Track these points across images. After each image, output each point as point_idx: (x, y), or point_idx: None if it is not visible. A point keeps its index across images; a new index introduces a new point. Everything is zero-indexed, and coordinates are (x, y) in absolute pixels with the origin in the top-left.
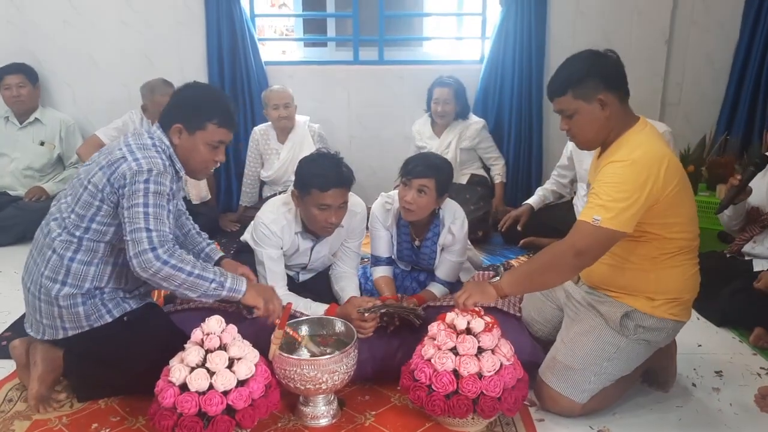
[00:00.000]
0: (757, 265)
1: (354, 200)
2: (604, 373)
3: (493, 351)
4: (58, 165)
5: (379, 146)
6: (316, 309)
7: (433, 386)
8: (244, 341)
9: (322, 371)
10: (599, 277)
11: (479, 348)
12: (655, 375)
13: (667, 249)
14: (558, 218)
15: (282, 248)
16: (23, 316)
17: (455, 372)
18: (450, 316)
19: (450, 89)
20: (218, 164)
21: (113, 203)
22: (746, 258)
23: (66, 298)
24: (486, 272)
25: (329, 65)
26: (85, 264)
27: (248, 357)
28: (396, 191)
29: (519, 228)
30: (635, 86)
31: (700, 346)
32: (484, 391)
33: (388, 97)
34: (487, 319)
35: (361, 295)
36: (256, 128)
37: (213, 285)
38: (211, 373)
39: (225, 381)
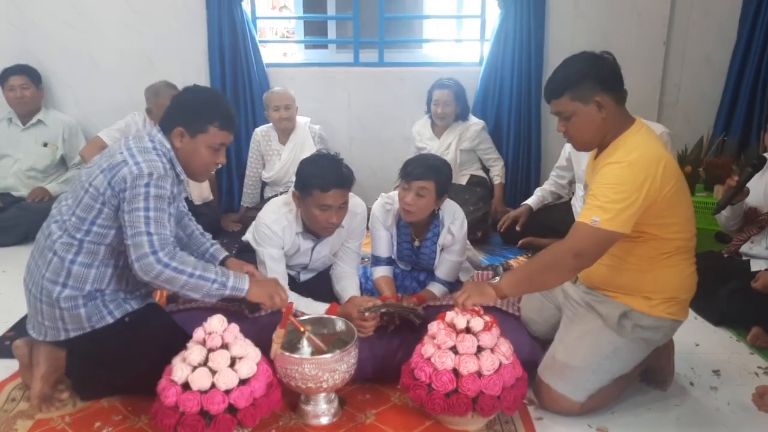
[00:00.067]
0: (755, 265)
1: (354, 201)
2: (602, 372)
3: (492, 350)
4: (61, 166)
5: (379, 147)
6: (317, 308)
7: (432, 385)
8: (246, 340)
9: (323, 370)
10: (598, 278)
11: (479, 347)
12: (653, 374)
13: (665, 249)
14: (556, 218)
15: (283, 248)
16: (26, 316)
17: (455, 371)
18: (450, 316)
19: (450, 91)
20: (219, 166)
21: (114, 206)
22: (743, 258)
23: (67, 300)
24: (485, 272)
25: (330, 67)
26: (85, 266)
27: (250, 356)
28: (396, 192)
29: (518, 228)
30: (633, 87)
31: (697, 345)
32: (484, 390)
33: (388, 99)
34: (487, 318)
35: (362, 294)
36: (257, 129)
37: (215, 285)
38: (213, 372)
39: (227, 380)
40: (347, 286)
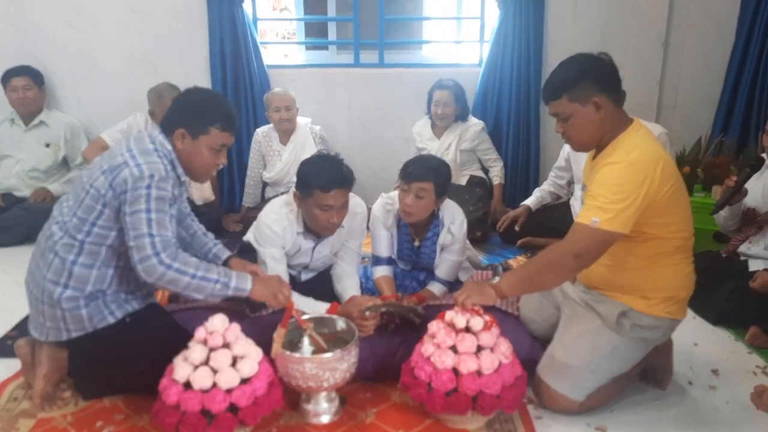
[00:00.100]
0: (753, 265)
1: (355, 201)
2: (601, 372)
3: (492, 349)
4: (63, 167)
5: (379, 148)
6: (318, 308)
7: (432, 384)
8: (248, 339)
9: (324, 369)
10: (597, 278)
11: (478, 346)
12: (652, 373)
13: (664, 248)
14: (555, 219)
15: (284, 248)
16: (28, 315)
17: (455, 370)
18: (449, 315)
19: (450, 92)
20: (220, 167)
21: (115, 208)
22: (742, 258)
23: (68, 301)
24: (485, 272)
25: (330, 68)
26: (86, 267)
27: (251, 355)
28: (396, 192)
29: (516, 228)
30: (632, 88)
31: (696, 344)
32: (483, 389)
33: (388, 100)
34: (486, 317)
35: (362, 294)
36: (258, 130)
37: (218, 285)
38: (215, 371)
39: (228, 379)
40: (348, 285)
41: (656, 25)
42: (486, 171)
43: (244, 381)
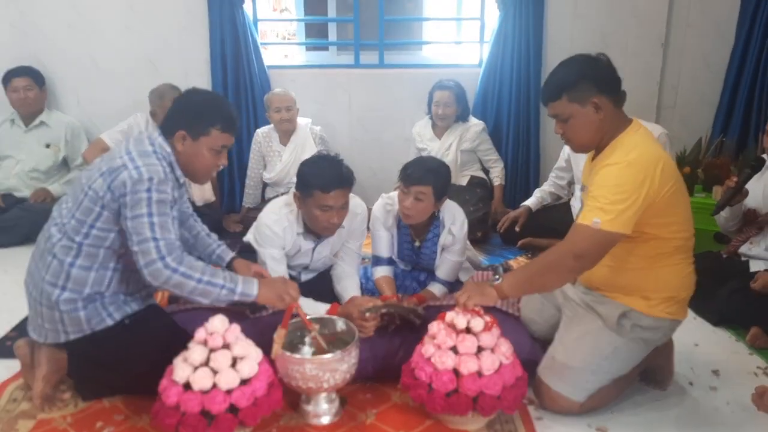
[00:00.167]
0: (754, 266)
1: (355, 201)
2: (601, 372)
3: (492, 350)
4: (63, 167)
5: (379, 148)
6: (318, 308)
7: (433, 385)
8: (248, 340)
9: (324, 370)
10: (598, 279)
11: (479, 347)
12: (652, 373)
13: (665, 248)
14: (555, 219)
15: (284, 248)
16: (27, 316)
17: (455, 371)
18: (450, 316)
19: (450, 92)
20: (221, 168)
21: (114, 210)
22: (743, 259)
23: (66, 303)
24: (485, 272)
25: (330, 69)
26: (85, 269)
27: (251, 356)
28: (396, 192)
29: (517, 229)
30: (632, 88)
31: (697, 345)
32: (484, 390)
33: (388, 100)
34: (487, 318)
35: (362, 294)
36: (258, 131)
37: (224, 291)
38: (215, 372)
39: (228, 380)
40: (348, 286)
41: (656, 25)
42: (486, 171)
43: (244, 382)
